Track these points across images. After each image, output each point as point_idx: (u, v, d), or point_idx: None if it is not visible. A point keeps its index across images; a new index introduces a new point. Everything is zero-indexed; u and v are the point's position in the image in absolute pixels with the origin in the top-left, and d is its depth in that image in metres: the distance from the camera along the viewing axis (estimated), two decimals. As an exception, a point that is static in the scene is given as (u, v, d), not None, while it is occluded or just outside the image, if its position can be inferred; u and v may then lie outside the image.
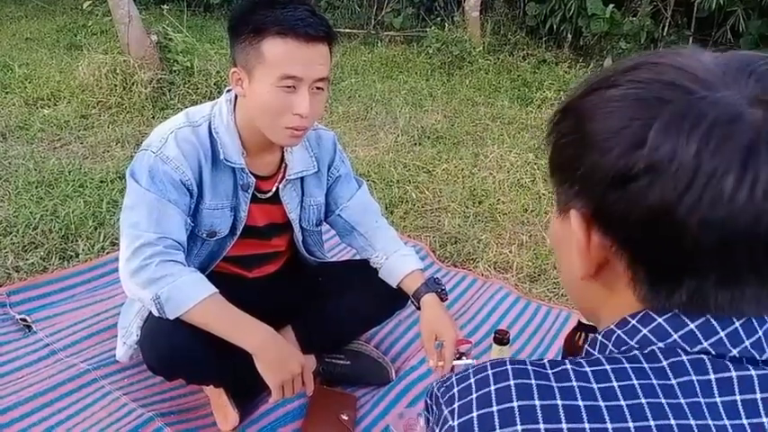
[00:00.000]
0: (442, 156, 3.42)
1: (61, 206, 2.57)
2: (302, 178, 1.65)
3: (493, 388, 0.52)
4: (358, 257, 1.85)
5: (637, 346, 0.53)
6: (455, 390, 0.54)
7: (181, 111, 1.57)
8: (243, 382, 1.64)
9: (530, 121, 3.98)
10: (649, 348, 0.52)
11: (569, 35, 5.62)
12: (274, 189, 1.61)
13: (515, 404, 0.50)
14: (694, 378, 0.49)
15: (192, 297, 1.41)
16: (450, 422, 0.52)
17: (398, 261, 1.68)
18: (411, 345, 1.98)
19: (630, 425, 0.47)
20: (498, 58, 5.36)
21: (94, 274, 2.17)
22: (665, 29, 5.12)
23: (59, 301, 2.04)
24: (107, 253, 2.30)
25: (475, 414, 0.51)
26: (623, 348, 0.54)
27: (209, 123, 1.50)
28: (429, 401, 0.59)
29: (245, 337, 1.42)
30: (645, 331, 0.53)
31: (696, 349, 0.50)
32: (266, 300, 1.67)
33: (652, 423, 0.47)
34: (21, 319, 1.92)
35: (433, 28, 5.44)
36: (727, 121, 0.47)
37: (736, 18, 4.94)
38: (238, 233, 1.60)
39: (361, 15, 6.80)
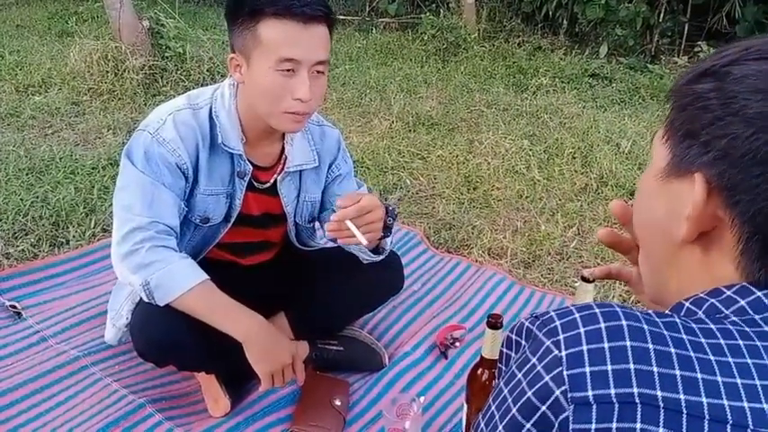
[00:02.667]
0: (436, 142, 3.40)
1: (52, 193, 2.55)
2: (301, 173, 1.63)
3: (603, 325, 0.51)
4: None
5: (734, 316, 0.53)
6: (557, 323, 0.54)
7: (173, 97, 1.54)
8: (234, 368, 1.63)
9: (525, 108, 3.95)
10: (748, 316, 0.52)
11: (565, 22, 5.58)
12: (273, 180, 1.59)
13: (628, 343, 0.49)
14: None
15: (182, 284, 1.39)
16: (556, 352, 0.52)
17: None
18: (404, 331, 1.97)
19: (738, 381, 0.48)
20: (493, 45, 5.33)
21: (85, 261, 2.15)
22: (661, 15, 5.08)
23: (49, 288, 2.02)
24: (98, 240, 2.28)
25: (585, 347, 0.50)
26: (718, 316, 0.54)
27: (211, 107, 1.48)
28: (514, 336, 0.58)
29: (235, 325, 1.41)
30: (743, 302, 0.53)
31: None
32: (259, 287, 1.66)
33: (758, 382, 0.48)
34: (10, 306, 1.91)
35: (427, 14, 5.40)
36: None
37: (732, 5, 4.91)
38: (232, 220, 1.58)
39: (356, 2, 6.75)
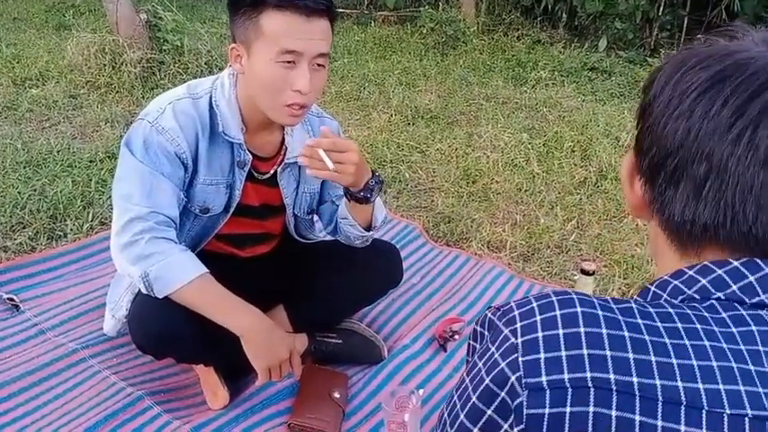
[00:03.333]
0: (435, 135, 3.39)
1: (49, 186, 2.54)
2: (300, 164, 1.62)
3: (559, 312, 0.53)
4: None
5: (697, 297, 0.54)
6: (515, 312, 0.55)
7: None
8: (233, 361, 1.63)
9: (524, 101, 3.95)
10: (708, 302, 0.53)
11: (564, 15, 5.57)
12: (272, 171, 1.58)
13: (582, 330, 0.51)
14: (754, 329, 0.50)
15: (182, 277, 1.39)
16: (513, 340, 0.53)
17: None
18: (403, 323, 1.96)
19: (694, 362, 0.48)
20: (493, 38, 5.31)
21: (83, 254, 2.14)
22: (661, 9, 5.06)
23: (47, 281, 2.01)
24: (96, 233, 2.28)
25: (540, 335, 0.52)
26: (681, 298, 0.55)
27: (211, 96, 1.47)
28: (479, 328, 0.60)
29: (234, 319, 1.40)
30: (704, 281, 0.55)
31: (754, 301, 0.52)
32: (258, 280, 1.65)
33: (714, 364, 0.48)
34: (8, 299, 1.90)
35: (426, 8, 5.38)
36: (719, 57, 0.54)
37: (732, -2, 4.90)
38: (232, 211, 1.57)
39: (355, -5, 6.73)
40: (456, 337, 1.90)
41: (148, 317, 1.46)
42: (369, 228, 1.61)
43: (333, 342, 1.79)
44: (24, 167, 2.70)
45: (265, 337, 1.43)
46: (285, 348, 1.45)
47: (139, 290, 1.45)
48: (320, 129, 1.42)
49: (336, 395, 1.63)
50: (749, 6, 4.89)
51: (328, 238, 1.80)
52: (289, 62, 1.32)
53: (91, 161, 2.81)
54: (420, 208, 2.68)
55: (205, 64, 4.01)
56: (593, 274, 1.73)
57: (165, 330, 1.45)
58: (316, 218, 1.82)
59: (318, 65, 1.37)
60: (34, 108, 3.47)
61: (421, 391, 1.65)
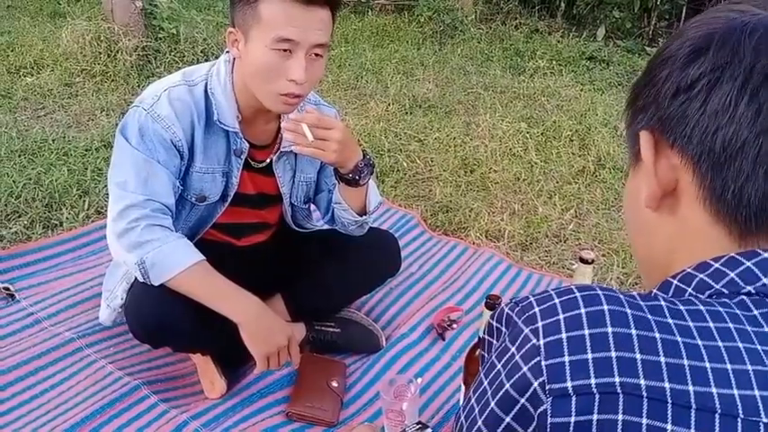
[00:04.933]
0: (433, 125, 3.37)
1: (45, 175, 2.52)
2: (296, 153, 1.61)
3: (584, 310, 0.49)
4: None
5: (726, 291, 0.51)
6: (536, 309, 0.51)
7: None
8: (231, 349, 1.62)
9: (522, 91, 3.92)
10: (739, 298, 0.50)
11: (562, 4, 5.54)
12: (268, 160, 1.57)
13: (609, 330, 0.47)
14: None
15: (178, 263, 1.38)
16: (534, 341, 0.49)
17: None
18: (402, 312, 1.96)
19: (728, 366, 0.45)
20: (491, 27, 5.28)
21: (79, 243, 2.13)
22: (659, -2, 5.05)
23: (43, 270, 2.00)
24: (92, 221, 2.26)
25: (564, 335, 0.48)
26: (708, 293, 0.51)
27: (206, 83, 1.45)
28: (495, 323, 0.56)
29: (231, 307, 1.40)
30: (732, 275, 0.51)
31: None
32: (255, 269, 1.65)
33: (750, 368, 0.45)
34: (4, 288, 1.89)
35: (424, -4, 5.34)
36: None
37: (731, -14, 4.89)
38: (229, 199, 1.56)
39: (352, -16, 6.68)
40: (454, 325, 1.89)
41: (145, 305, 1.45)
42: (363, 213, 1.60)
43: (331, 331, 1.79)
44: (19, 156, 2.68)
45: (263, 324, 1.42)
46: (283, 336, 1.44)
47: (136, 278, 1.44)
48: (305, 108, 1.41)
49: (334, 384, 1.62)
50: (748, -5, 4.87)
51: (326, 227, 1.79)
52: (284, 50, 1.31)
53: (86, 150, 2.79)
54: (418, 197, 2.67)
55: (201, 52, 3.97)
56: (592, 262, 1.73)
57: (161, 319, 1.44)
58: (313, 207, 1.80)
59: (316, 54, 1.35)
60: (29, 96, 3.44)
61: (419, 380, 1.65)
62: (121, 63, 3.76)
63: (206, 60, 3.89)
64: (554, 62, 4.50)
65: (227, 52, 1.44)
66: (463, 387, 1.38)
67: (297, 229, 1.77)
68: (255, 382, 1.63)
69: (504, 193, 2.71)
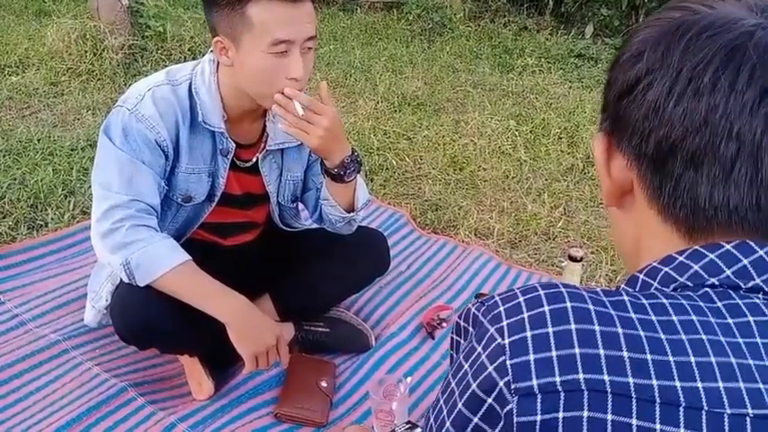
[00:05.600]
0: (422, 122, 3.37)
1: (30, 175, 2.49)
2: (282, 151, 1.60)
3: (547, 308, 0.49)
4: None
5: (690, 284, 0.51)
6: (501, 308, 0.51)
7: None
8: (218, 350, 1.61)
9: (511, 88, 3.93)
10: (703, 290, 0.50)
11: (551, 2, 5.53)
12: (254, 159, 1.55)
13: (573, 326, 0.47)
14: (751, 319, 0.48)
15: (163, 264, 1.37)
16: (500, 340, 0.49)
17: None
18: (391, 311, 1.95)
19: (692, 359, 0.45)
20: (479, 25, 5.28)
21: (64, 244, 2.11)
22: (647, -5, 5.07)
23: (28, 272, 1.98)
24: (77, 222, 2.24)
25: (528, 333, 0.48)
26: (673, 286, 0.52)
27: (190, 83, 1.44)
28: (462, 322, 0.56)
29: (218, 307, 1.38)
30: (696, 267, 0.51)
31: (750, 285, 0.50)
32: (242, 268, 1.63)
33: (713, 360, 0.45)
34: (-12, 290, 1.86)
35: (412, -6, 5.33)
36: (720, 25, 0.50)
37: (718, -16, 4.91)
38: (216, 200, 1.55)
39: (340, -19, 6.65)
40: (444, 324, 1.89)
41: (131, 307, 1.43)
42: (350, 210, 1.58)
43: (320, 331, 1.78)
44: (4, 156, 2.65)
45: (251, 323, 1.41)
46: (272, 335, 1.43)
47: (121, 279, 1.42)
48: (320, 85, 1.41)
49: (324, 384, 1.61)
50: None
51: (314, 226, 1.78)
52: (282, 51, 1.30)
53: (72, 149, 2.76)
54: (407, 195, 2.67)
55: (188, 50, 3.95)
56: (581, 260, 1.73)
57: (147, 320, 1.42)
58: (301, 207, 1.79)
59: (308, 48, 1.35)
60: (14, 96, 3.40)
61: (409, 379, 1.64)
62: (108, 62, 3.72)
63: (193, 59, 3.86)
64: (542, 60, 4.51)
65: (212, 51, 1.43)
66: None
67: (285, 228, 1.76)
68: (244, 383, 1.62)
69: (493, 190, 2.71)
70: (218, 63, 1.43)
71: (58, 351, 1.66)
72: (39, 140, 2.81)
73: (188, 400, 1.59)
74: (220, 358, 1.61)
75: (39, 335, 1.72)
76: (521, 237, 2.40)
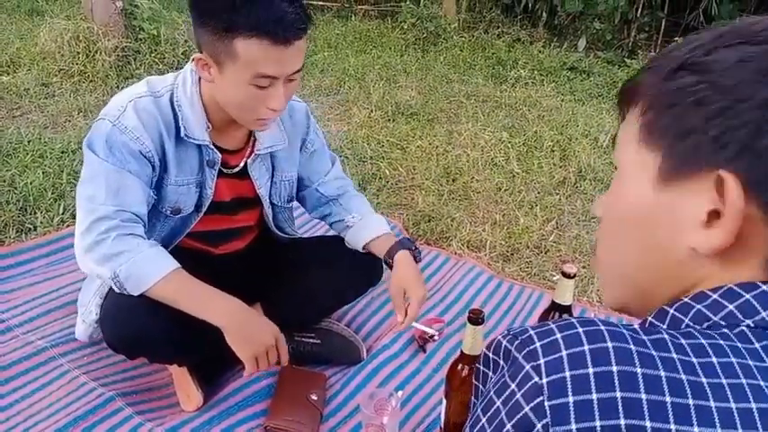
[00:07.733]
0: (416, 132, 3.37)
1: (19, 177, 2.46)
2: (271, 153, 1.59)
3: (587, 348, 0.47)
4: (331, 234, 1.81)
5: (723, 323, 0.49)
6: (537, 344, 0.49)
7: None
8: (208, 361, 1.59)
9: (504, 100, 3.94)
10: (738, 329, 0.49)
11: (544, 14, 5.57)
12: (242, 164, 1.54)
13: (614, 368, 0.45)
14: None
15: (153, 273, 1.35)
16: (537, 379, 0.47)
17: (373, 221, 1.68)
18: (383, 323, 1.94)
19: (733, 405, 0.44)
20: (473, 36, 5.30)
21: (53, 248, 2.08)
22: (639, 10, 5.10)
23: (16, 276, 1.95)
24: (67, 226, 2.21)
25: (568, 374, 0.46)
26: (706, 324, 0.50)
27: (171, 95, 1.42)
28: (491, 355, 0.54)
29: (213, 311, 1.36)
30: (731, 307, 0.50)
31: None
32: (233, 277, 1.61)
33: (753, 405, 0.44)
34: (-26, 295, 1.83)
35: (407, 3, 5.34)
36: None
37: (709, 2, 4.95)
38: (203, 210, 1.53)
39: (335, -12, 6.66)
40: (435, 337, 1.88)
41: (120, 316, 1.41)
42: None
43: (311, 342, 1.76)
44: (-7, 157, 2.62)
45: (248, 325, 1.39)
46: (269, 335, 1.41)
47: (110, 289, 1.40)
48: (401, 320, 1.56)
49: (314, 397, 1.60)
50: (726, 10, 4.95)
51: (306, 235, 1.77)
52: (264, 85, 1.29)
53: (63, 152, 2.73)
54: (400, 206, 2.66)
55: (182, 54, 3.93)
56: (574, 277, 1.72)
57: (137, 330, 1.40)
58: (297, 207, 1.79)
59: (292, 78, 1.33)
60: (4, 96, 3.37)
61: (400, 393, 1.63)
62: (100, 63, 3.70)
63: (187, 62, 3.85)
64: (535, 72, 4.53)
65: (194, 60, 1.40)
66: (444, 401, 1.37)
67: (278, 233, 1.75)
68: (233, 394, 1.60)
69: (485, 202, 2.71)
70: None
71: (45, 358, 1.64)
72: (29, 142, 2.78)
73: (176, 410, 1.57)
74: (210, 369, 1.60)
75: (25, 341, 1.69)
76: (513, 250, 2.40)
